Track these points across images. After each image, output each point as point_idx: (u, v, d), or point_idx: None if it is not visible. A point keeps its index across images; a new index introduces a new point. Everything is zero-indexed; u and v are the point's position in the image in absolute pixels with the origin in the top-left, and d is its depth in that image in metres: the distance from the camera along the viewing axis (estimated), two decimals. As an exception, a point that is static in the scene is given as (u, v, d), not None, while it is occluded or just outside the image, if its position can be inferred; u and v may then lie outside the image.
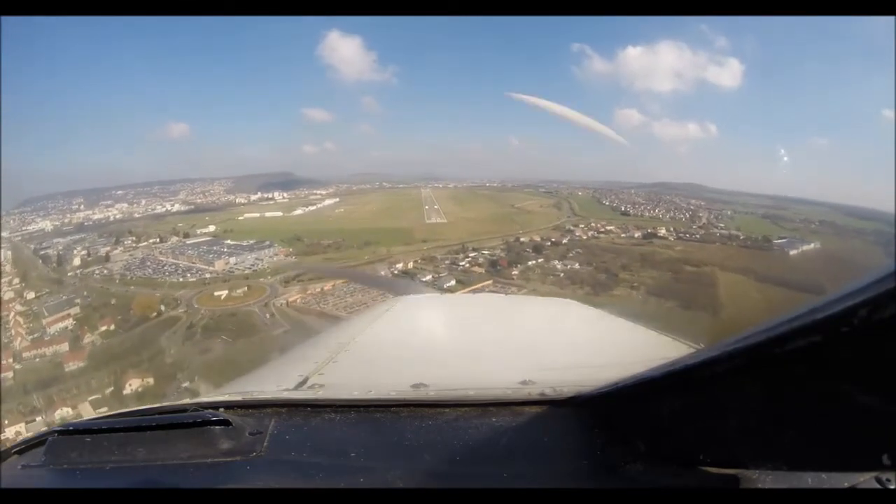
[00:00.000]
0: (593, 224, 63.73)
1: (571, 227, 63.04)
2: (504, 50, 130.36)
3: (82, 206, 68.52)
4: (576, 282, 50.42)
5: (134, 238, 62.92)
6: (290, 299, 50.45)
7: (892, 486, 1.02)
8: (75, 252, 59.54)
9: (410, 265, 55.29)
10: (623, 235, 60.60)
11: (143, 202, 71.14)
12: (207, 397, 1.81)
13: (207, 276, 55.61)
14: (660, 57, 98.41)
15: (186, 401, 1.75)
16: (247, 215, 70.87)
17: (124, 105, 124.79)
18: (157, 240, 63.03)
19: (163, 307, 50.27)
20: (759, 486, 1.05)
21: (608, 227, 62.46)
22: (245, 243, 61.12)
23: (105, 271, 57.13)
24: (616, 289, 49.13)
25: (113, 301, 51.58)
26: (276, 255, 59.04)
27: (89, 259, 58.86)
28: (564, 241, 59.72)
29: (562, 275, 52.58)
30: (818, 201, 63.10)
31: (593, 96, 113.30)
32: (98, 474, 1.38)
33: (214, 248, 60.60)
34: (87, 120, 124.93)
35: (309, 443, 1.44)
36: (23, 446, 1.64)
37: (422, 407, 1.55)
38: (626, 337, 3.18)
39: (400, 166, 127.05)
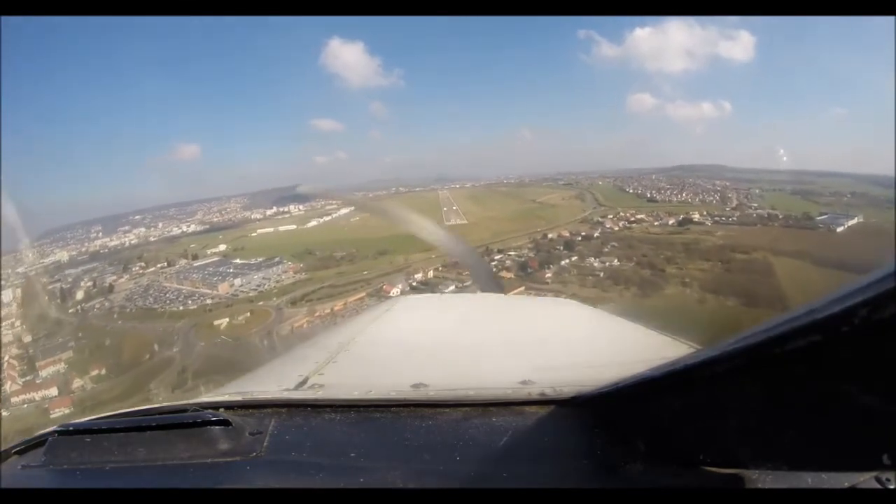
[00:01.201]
0: (622, 213, 57.37)
1: (600, 219, 56.74)
2: (509, 44, 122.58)
3: (100, 234, 63.29)
4: (619, 282, 43.09)
5: (142, 264, 57.73)
6: (296, 324, 43.79)
7: (892, 486, 1.03)
8: (82, 284, 54.55)
9: (431, 274, 48.34)
10: (656, 224, 54.22)
11: (161, 225, 66.14)
12: (207, 397, 1.76)
13: (209, 301, 49.78)
14: (669, 36, 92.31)
15: (186, 401, 1.68)
16: (260, 231, 65.59)
17: (135, 130, 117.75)
18: (165, 264, 57.64)
19: (156, 346, 44.35)
20: (759, 486, 1.05)
21: (638, 216, 56.12)
22: (253, 261, 55.45)
23: (106, 304, 51.85)
24: (667, 287, 41.83)
25: (107, 342, 46.06)
26: (286, 272, 53.18)
27: (94, 291, 53.75)
28: (596, 234, 53.28)
29: (601, 274, 45.52)
30: (842, 173, 56.91)
31: (604, 83, 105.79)
32: (98, 474, 1.37)
33: (220, 269, 55.07)
34: (99, 147, 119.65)
35: (309, 443, 1.41)
36: (23, 446, 1.63)
37: (422, 407, 1.53)
38: (626, 337, 3.00)
39: (414, 170, 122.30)
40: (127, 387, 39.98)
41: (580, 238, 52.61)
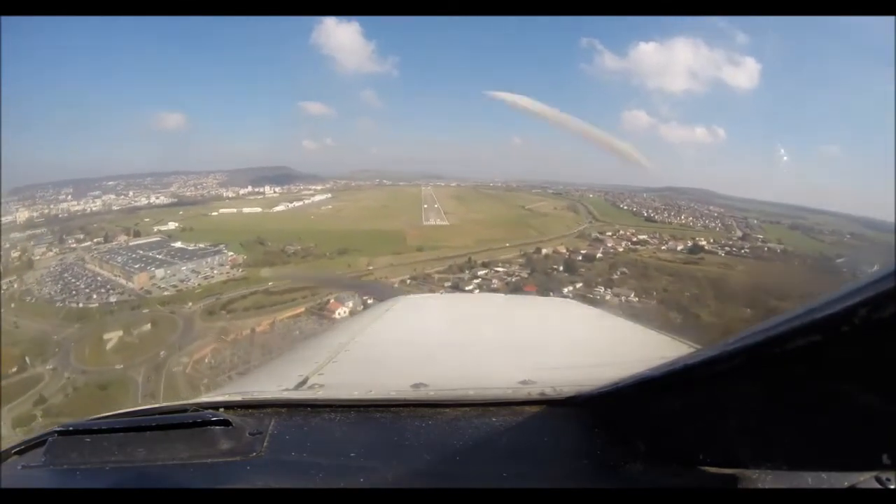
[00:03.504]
0: (622, 231, 48.69)
1: (599, 235, 47.57)
2: (509, 44, 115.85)
3: (69, 197, 56.19)
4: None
5: (80, 236, 48.13)
6: (197, 355, 31.61)
7: (892, 486, 0.99)
8: (13, 254, 44.97)
9: (395, 286, 36.40)
10: (664, 248, 45.13)
11: (131, 194, 58.84)
12: (207, 397, 1.66)
13: (114, 300, 38.43)
14: (674, 53, 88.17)
15: (186, 401, 1.61)
16: (221, 210, 56.28)
17: (120, 95, 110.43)
18: (102, 239, 47.66)
19: (28, 360, 32.80)
20: (759, 486, 1.02)
21: (641, 237, 47.44)
22: (192, 247, 44.86)
23: (14, 286, 41.11)
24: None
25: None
26: (223, 264, 42.07)
27: (16, 264, 43.76)
28: (598, 254, 43.07)
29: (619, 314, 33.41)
30: (831, 211, 53.00)
31: (602, 95, 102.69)
32: (98, 474, 1.29)
33: (151, 252, 44.48)
34: (85, 110, 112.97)
35: (309, 443, 1.33)
36: (23, 446, 1.52)
37: (422, 407, 1.45)
38: (626, 337, 2.84)
39: (401, 163, 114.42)
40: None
41: (581, 258, 42.55)
